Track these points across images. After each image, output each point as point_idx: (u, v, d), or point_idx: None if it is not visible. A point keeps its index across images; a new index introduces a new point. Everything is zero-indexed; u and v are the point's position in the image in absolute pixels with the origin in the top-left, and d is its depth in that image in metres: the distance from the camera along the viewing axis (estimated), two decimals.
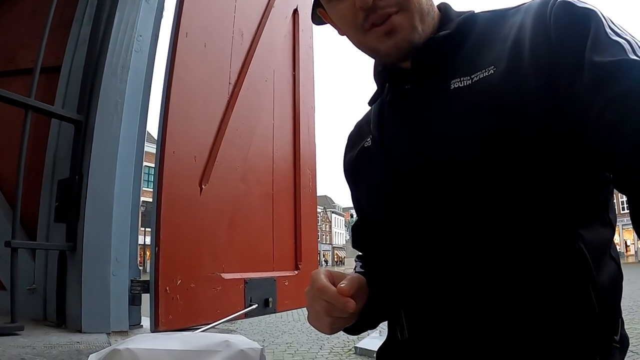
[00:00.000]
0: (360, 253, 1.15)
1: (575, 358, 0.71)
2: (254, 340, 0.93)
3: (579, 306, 0.71)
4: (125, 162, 1.89)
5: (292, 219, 2.90)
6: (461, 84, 0.80)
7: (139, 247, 1.95)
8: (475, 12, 0.91)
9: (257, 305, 2.24)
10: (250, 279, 2.33)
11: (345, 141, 1.16)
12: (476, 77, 0.79)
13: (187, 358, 0.74)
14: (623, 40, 0.68)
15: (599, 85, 0.66)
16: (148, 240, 1.92)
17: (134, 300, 1.85)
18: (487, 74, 0.78)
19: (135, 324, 1.87)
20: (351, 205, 1.19)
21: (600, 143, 0.66)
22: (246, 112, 2.46)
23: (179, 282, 1.88)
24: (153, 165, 1.94)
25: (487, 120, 0.75)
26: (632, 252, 46.72)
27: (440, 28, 0.89)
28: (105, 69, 1.87)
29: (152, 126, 2.04)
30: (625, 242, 52.95)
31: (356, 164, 1.05)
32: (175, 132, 1.97)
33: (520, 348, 0.73)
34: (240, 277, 2.28)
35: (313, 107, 3.16)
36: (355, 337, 8.51)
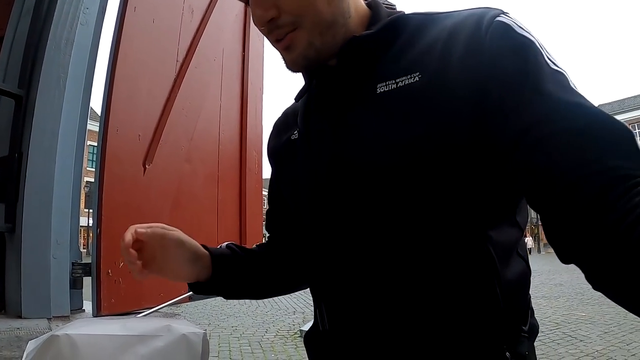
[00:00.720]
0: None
1: (483, 347, 0.80)
2: (199, 324, 0.96)
3: (485, 301, 0.79)
4: (67, 140, 1.88)
5: (237, 201, 2.92)
6: (386, 87, 0.83)
7: (81, 229, 1.93)
8: (405, 13, 0.93)
9: None
10: None
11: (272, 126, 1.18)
12: (401, 82, 0.81)
13: (128, 343, 0.75)
14: (562, 75, 0.72)
15: (531, 120, 0.69)
16: (92, 221, 1.90)
17: (76, 284, 1.85)
18: (412, 80, 0.80)
19: (77, 309, 1.86)
20: None
21: (526, 179, 0.70)
22: (193, 92, 2.46)
23: (121, 264, 1.88)
24: (96, 143, 1.91)
25: (407, 127, 0.79)
26: None
27: (369, 27, 0.91)
28: (48, 42, 1.84)
29: (96, 103, 2.01)
30: None
31: (282, 154, 1.08)
32: (119, 110, 1.96)
33: (431, 340, 0.81)
34: None
35: (261, 89, 3.17)
36: (301, 320, 8.64)
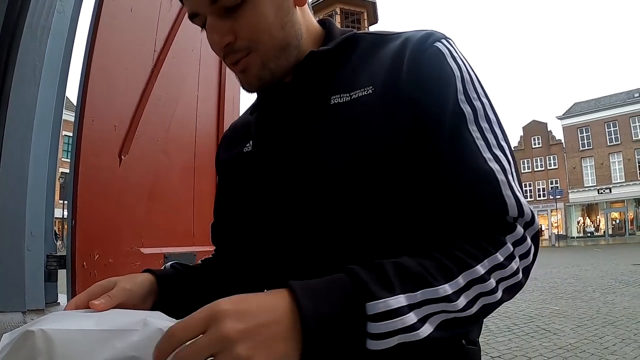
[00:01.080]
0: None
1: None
2: (175, 317, 0.97)
3: None
4: (42, 130, 1.86)
5: (214, 193, 2.90)
6: (340, 100, 0.91)
7: (56, 221, 1.93)
8: (357, 32, 1.01)
9: None
10: (170, 253, 2.36)
11: (221, 139, 1.25)
12: (355, 95, 0.89)
13: (104, 338, 0.74)
14: (469, 109, 0.84)
15: (435, 153, 0.83)
16: (66, 213, 1.90)
17: (50, 277, 1.83)
18: (365, 93, 0.88)
19: (52, 302, 1.85)
20: None
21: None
22: (170, 82, 2.46)
23: (96, 257, 1.88)
24: (71, 134, 1.91)
25: (361, 137, 0.86)
26: (547, 237, 50.02)
27: (324, 45, 0.98)
28: (24, 30, 1.81)
29: (72, 92, 2.00)
30: (540, 227, 56.02)
31: (233, 167, 1.12)
32: (95, 100, 1.96)
33: None
34: (159, 252, 2.31)
35: None
36: None
